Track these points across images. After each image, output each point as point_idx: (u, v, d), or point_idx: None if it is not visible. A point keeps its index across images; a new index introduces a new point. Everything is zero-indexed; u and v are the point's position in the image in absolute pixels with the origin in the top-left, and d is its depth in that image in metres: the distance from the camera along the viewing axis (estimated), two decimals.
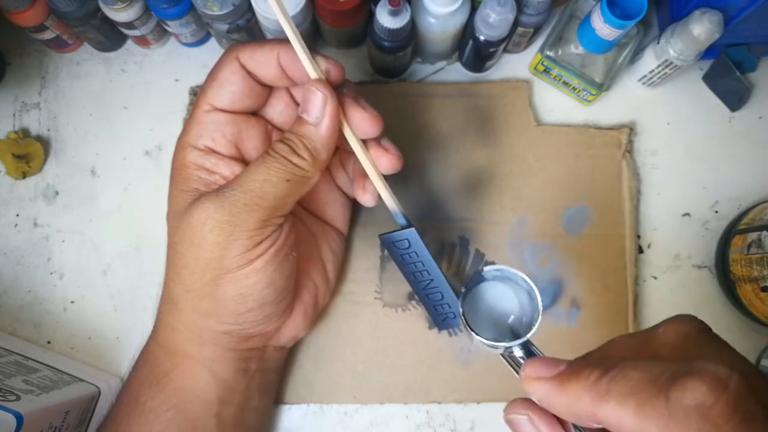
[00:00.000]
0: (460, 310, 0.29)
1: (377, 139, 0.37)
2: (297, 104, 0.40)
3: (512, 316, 0.30)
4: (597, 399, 0.24)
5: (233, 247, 0.34)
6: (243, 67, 0.37)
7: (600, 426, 0.24)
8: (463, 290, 0.30)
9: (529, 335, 0.28)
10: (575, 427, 0.27)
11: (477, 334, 0.28)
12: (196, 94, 0.39)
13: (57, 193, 0.49)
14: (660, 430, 0.22)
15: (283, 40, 0.35)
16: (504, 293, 0.30)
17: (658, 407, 0.23)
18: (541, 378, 0.26)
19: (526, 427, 0.27)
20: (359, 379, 0.46)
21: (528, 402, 0.27)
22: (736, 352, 0.26)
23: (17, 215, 0.48)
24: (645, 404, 0.23)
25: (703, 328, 0.27)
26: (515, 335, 0.29)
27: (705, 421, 0.22)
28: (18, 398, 0.37)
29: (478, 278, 0.30)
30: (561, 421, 0.27)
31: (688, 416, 0.22)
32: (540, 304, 0.29)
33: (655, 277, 0.48)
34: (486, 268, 0.30)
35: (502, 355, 0.29)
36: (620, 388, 0.24)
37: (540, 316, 0.28)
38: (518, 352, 0.28)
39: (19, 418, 0.35)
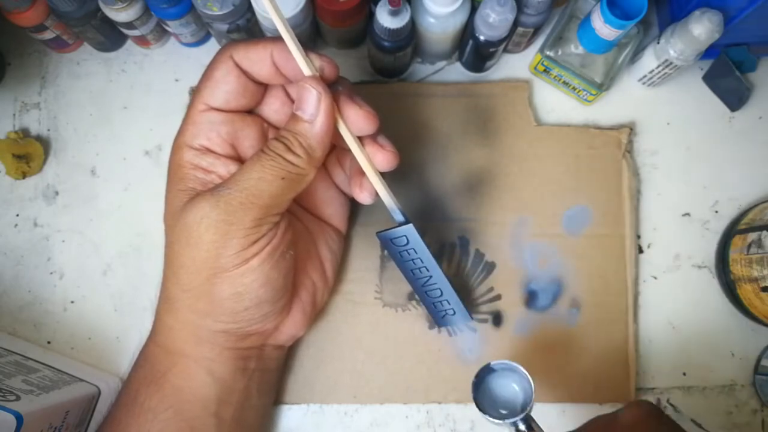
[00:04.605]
0: (473, 395, 0.37)
1: (373, 137, 0.37)
2: (293, 102, 0.40)
3: (518, 399, 0.37)
4: None
5: (229, 245, 0.34)
6: (237, 65, 0.37)
7: None
8: (474, 379, 0.37)
9: (524, 414, 0.36)
10: None
11: (484, 413, 0.36)
12: None
13: (57, 193, 0.49)
14: None
15: (277, 39, 0.35)
16: (511, 380, 0.38)
17: None
18: None
19: None
20: (359, 379, 0.46)
21: None
22: (674, 429, 0.34)
23: (17, 215, 0.48)
24: None
25: (654, 412, 0.35)
26: (523, 412, 0.36)
27: None
28: (18, 398, 0.37)
29: (488, 370, 0.38)
30: None
31: None
32: (533, 389, 0.36)
33: (655, 277, 0.48)
34: (494, 362, 0.37)
35: (515, 429, 0.36)
36: None
37: (533, 398, 0.36)
38: (522, 426, 0.36)
39: (19, 418, 0.35)
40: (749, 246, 0.44)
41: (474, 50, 0.46)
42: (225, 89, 0.37)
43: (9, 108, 0.50)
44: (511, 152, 0.49)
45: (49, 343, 0.47)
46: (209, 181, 0.37)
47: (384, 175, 0.38)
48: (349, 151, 0.37)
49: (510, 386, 0.38)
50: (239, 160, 0.38)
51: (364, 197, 0.38)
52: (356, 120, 0.36)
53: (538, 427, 0.36)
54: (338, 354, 0.46)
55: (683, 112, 0.50)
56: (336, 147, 0.42)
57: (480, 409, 0.36)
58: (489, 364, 0.38)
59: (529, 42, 0.49)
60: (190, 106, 0.38)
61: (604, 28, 0.42)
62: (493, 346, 0.46)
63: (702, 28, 0.42)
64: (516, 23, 0.45)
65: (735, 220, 0.48)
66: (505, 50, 0.50)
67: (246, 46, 0.36)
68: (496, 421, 0.36)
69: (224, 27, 0.44)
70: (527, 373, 0.37)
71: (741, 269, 0.44)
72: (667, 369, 0.47)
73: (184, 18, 0.45)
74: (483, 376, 0.38)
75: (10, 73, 0.50)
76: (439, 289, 0.43)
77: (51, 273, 0.48)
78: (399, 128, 0.48)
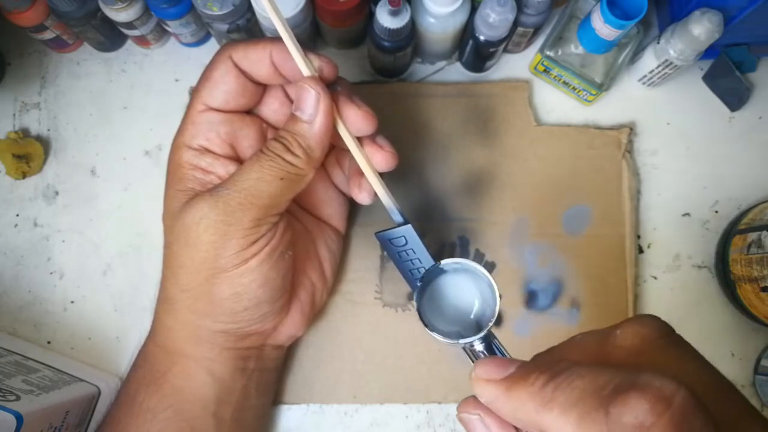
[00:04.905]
0: (416, 304, 0.28)
1: (372, 137, 0.37)
2: (292, 102, 0.40)
3: (474, 310, 0.29)
4: (540, 406, 0.23)
5: (228, 246, 0.34)
6: (236, 66, 0.37)
7: None
8: (419, 284, 0.28)
9: (485, 331, 0.27)
10: None
11: (431, 330, 0.28)
12: None
13: (57, 193, 0.49)
14: None
15: (276, 39, 0.35)
16: (466, 286, 0.29)
17: (598, 422, 0.21)
18: (491, 380, 0.25)
19: (478, 427, 0.26)
20: (359, 379, 0.46)
21: (479, 401, 0.26)
22: (697, 360, 0.25)
23: (17, 215, 0.48)
24: (586, 417, 0.21)
25: (665, 331, 0.26)
26: (480, 330, 0.27)
27: None
28: (18, 398, 0.37)
29: (437, 271, 0.29)
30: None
31: None
32: (498, 297, 0.28)
33: (655, 277, 0.48)
34: (444, 261, 0.28)
35: (465, 350, 0.28)
36: (564, 397, 0.22)
37: (497, 309, 0.27)
38: (479, 347, 0.27)
39: (19, 418, 0.35)
40: (749, 246, 0.43)
41: (474, 50, 0.46)
42: (224, 89, 0.37)
43: (9, 108, 0.50)
44: (511, 152, 0.48)
45: (49, 343, 0.47)
46: (208, 181, 0.37)
47: (383, 176, 0.38)
48: (348, 151, 0.37)
49: (467, 294, 0.29)
50: (238, 160, 0.38)
51: (362, 198, 0.38)
52: (355, 120, 0.36)
53: (503, 348, 0.28)
54: (338, 354, 0.46)
55: (683, 112, 0.50)
56: (335, 147, 0.42)
57: (426, 325, 0.28)
58: (438, 264, 0.29)
59: (529, 42, 0.49)
60: (189, 107, 0.38)
61: (604, 28, 0.42)
62: None
63: (702, 28, 0.42)
64: (516, 23, 0.45)
65: (735, 220, 0.48)
66: (505, 50, 0.50)
67: (245, 46, 0.36)
68: (447, 341, 0.28)
69: (224, 27, 0.44)
70: (490, 277, 0.28)
71: (741, 269, 0.44)
72: None
73: (184, 18, 0.45)
74: (431, 280, 0.29)
75: (10, 73, 0.50)
76: None
77: (51, 273, 0.48)
78: (399, 128, 0.48)
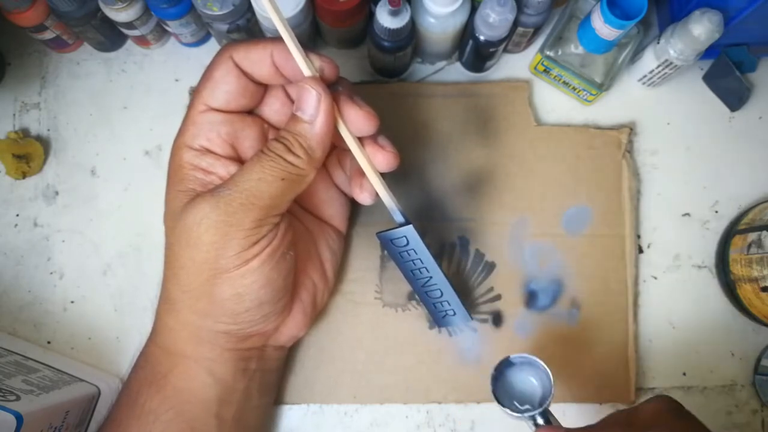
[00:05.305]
0: (491, 387, 0.37)
1: (374, 137, 0.37)
2: (293, 102, 0.40)
3: (538, 392, 0.38)
4: None
5: (229, 246, 0.34)
6: (237, 66, 0.37)
7: None
8: (493, 372, 0.38)
9: (543, 407, 0.36)
10: None
11: (503, 407, 0.37)
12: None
13: (57, 193, 0.49)
14: None
15: (277, 39, 0.35)
16: (528, 373, 0.38)
17: None
18: None
19: None
20: (359, 379, 0.46)
21: None
22: (696, 424, 0.34)
23: (17, 215, 0.48)
24: None
25: (674, 406, 0.35)
26: (540, 404, 0.37)
27: None
28: (18, 398, 0.37)
29: (507, 363, 0.38)
30: None
31: None
32: (553, 384, 0.37)
33: (655, 277, 0.48)
34: (512, 356, 0.38)
35: (525, 418, 0.37)
36: None
37: (553, 393, 0.37)
38: (540, 420, 0.36)
39: (19, 418, 0.35)
40: (749, 246, 0.44)
41: (474, 50, 0.46)
42: (225, 89, 0.37)
43: (9, 108, 0.50)
44: (511, 152, 0.48)
45: (49, 343, 0.47)
46: (209, 182, 0.37)
47: (384, 176, 0.38)
48: (350, 151, 0.37)
49: (528, 380, 0.38)
50: (239, 160, 0.38)
51: (364, 198, 0.38)
52: (356, 120, 0.36)
53: (556, 421, 0.37)
54: (338, 354, 0.46)
55: (683, 112, 0.50)
56: (336, 147, 0.42)
57: (499, 403, 0.37)
58: (508, 358, 0.38)
59: (529, 42, 0.49)
60: (190, 107, 0.38)
61: (604, 28, 0.42)
62: (493, 346, 0.46)
63: (702, 28, 0.42)
64: (516, 23, 0.45)
65: (735, 220, 0.48)
66: (505, 50, 0.50)
67: (246, 46, 0.36)
68: (516, 414, 0.36)
69: (224, 27, 0.44)
70: (546, 367, 0.37)
71: (741, 269, 0.44)
72: (667, 369, 0.47)
73: (184, 18, 0.45)
74: (502, 370, 0.38)
75: (10, 73, 0.50)
76: (440, 289, 0.43)
77: (51, 273, 0.48)
78: (399, 128, 0.48)
